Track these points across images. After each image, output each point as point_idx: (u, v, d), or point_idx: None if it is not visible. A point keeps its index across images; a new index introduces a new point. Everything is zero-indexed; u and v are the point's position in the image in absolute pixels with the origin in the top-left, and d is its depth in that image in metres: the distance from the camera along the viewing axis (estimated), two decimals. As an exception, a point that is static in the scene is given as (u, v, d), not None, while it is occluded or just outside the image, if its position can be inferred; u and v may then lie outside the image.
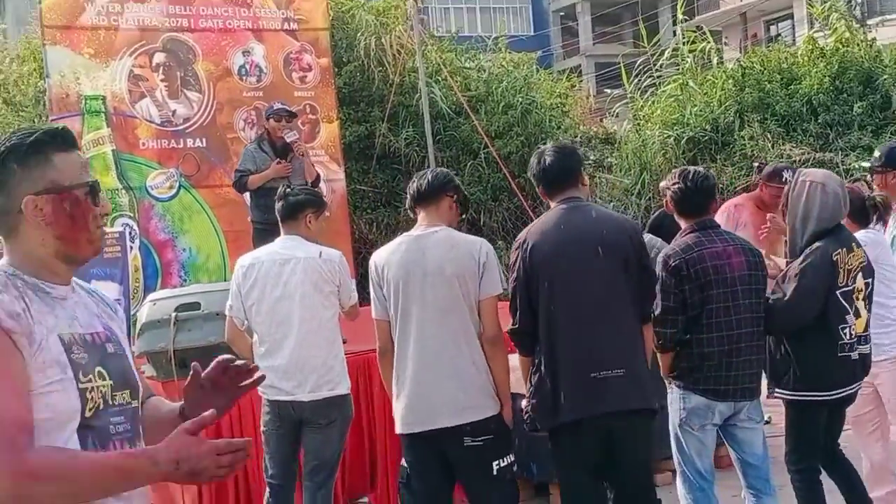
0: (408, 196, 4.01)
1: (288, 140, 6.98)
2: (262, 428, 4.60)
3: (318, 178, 7.40)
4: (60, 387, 1.84)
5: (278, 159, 6.91)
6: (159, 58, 8.46)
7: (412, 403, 3.80)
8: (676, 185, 4.03)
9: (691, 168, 4.18)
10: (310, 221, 4.58)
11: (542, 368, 3.70)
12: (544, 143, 11.91)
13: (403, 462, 3.96)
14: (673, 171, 4.32)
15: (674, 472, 6.07)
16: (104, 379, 1.93)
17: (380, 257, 3.95)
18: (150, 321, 5.49)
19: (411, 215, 4.08)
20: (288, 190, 4.71)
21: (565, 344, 3.68)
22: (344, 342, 6.57)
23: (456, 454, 3.75)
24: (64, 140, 1.97)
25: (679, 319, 3.89)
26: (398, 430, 3.91)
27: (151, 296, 6.07)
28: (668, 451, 5.87)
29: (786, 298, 4.00)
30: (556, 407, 3.67)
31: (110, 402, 1.94)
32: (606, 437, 3.74)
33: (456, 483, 3.99)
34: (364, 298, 10.40)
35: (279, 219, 4.64)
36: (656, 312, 3.89)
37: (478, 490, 3.86)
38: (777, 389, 4.19)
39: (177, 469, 1.81)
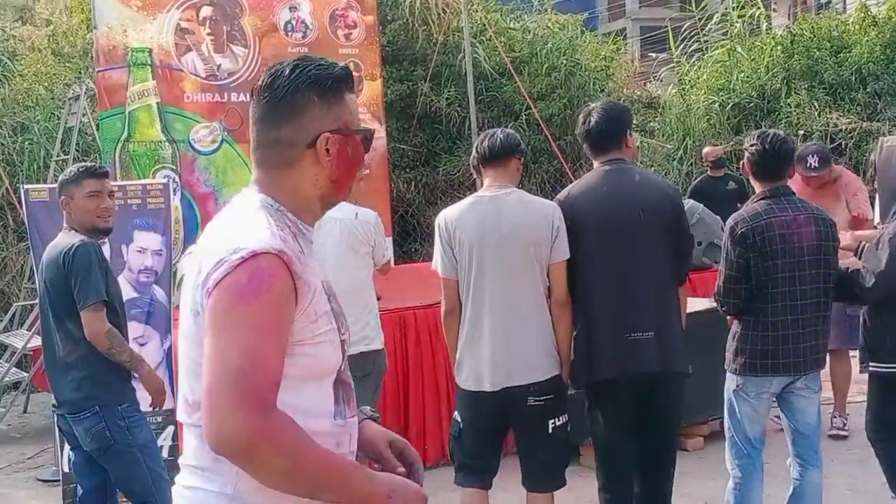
0: (476, 154, 3.99)
1: None
2: None
3: None
4: (328, 338, 1.79)
5: None
6: (206, 11, 8.48)
7: (484, 362, 3.83)
8: (755, 147, 3.98)
9: (771, 131, 4.11)
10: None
11: (579, 327, 3.78)
12: (587, 106, 11.83)
13: (456, 416, 3.99)
14: (752, 132, 4.28)
15: (706, 437, 6.17)
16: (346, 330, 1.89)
17: (451, 216, 3.93)
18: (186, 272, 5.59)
19: (474, 174, 4.08)
20: None
21: (601, 304, 3.76)
22: (378, 299, 6.68)
23: (518, 412, 3.82)
24: (351, 81, 1.90)
25: (742, 288, 3.88)
26: (466, 386, 3.91)
27: (191, 247, 6.17)
28: (700, 415, 5.92)
29: (881, 268, 3.90)
30: (591, 365, 3.77)
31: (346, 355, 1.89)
32: (640, 396, 3.80)
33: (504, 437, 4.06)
34: (400, 256, 10.50)
35: None
36: (719, 280, 3.92)
37: (532, 447, 3.93)
38: (871, 364, 4.10)
39: (387, 499, 1.69)
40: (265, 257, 1.66)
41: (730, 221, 3.98)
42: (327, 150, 1.82)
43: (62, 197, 3.95)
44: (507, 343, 3.77)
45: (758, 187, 4.05)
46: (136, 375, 3.95)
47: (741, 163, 4.14)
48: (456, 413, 4.01)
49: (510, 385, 3.78)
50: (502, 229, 3.81)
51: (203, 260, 1.72)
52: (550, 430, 3.85)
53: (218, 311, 1.64)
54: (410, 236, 11.11)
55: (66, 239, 3.87)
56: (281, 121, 1.81)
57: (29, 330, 7.95)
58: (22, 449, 7.34)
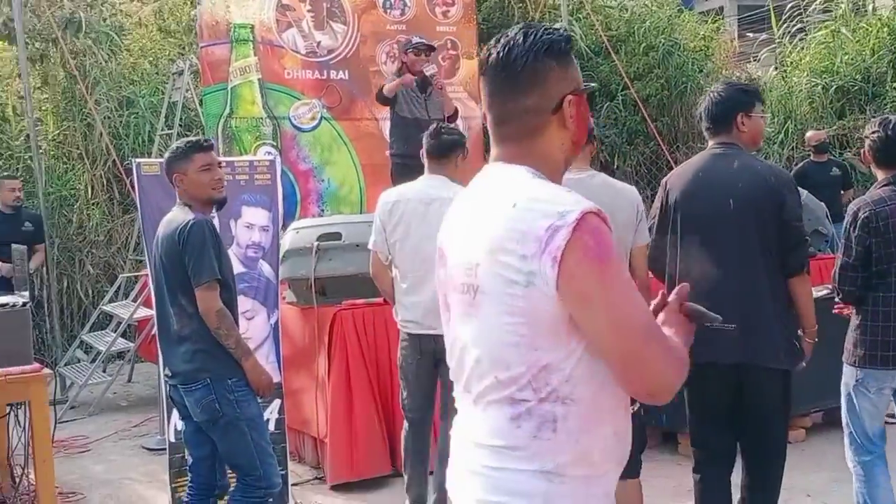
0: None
1: (427, 73, 7.04)
2: (399, 363, 4.67)
3: (455, 113, 7.44)
4: None
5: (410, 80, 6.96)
6: (307, -12, 8.57)
7: None
8: (876, 135, 3.87)
9: (892, 117, 3.98)
10: (458, 162, 4.57)
11: None
12: (684, 87, 11.58)
13: None
14: (873, 119, 4.15)
15: (808, 429, 6.04)
16: None
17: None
18: (293, 249, 5.67)
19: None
20: (442, 128, 4.68)
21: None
22: None
23: None
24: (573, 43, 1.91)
25: (859, 276, 3.79)
26: None
27: (295, 224, 6.26)
28: (802, 408, 5.78)
29: None
30: None
31: None
32: (731, 386, 3.70)
33: None
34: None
35: (428, 155, 4.61)
36: (836, 267, 3.82)
37: None
38: None
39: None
40: (591, 216, 1.71)
41: (852, 206, 3.89)
42: (570, 111, 1.82)
43: (175, 175, 3.99)
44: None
45: (879, 175, 3.95)
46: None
47: (861, 151, 4.02)
48: None
49: None
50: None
51: (499, 234, 1.72)
52: None
53: (588, 276, 1.65)
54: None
55: (181, 215, 3.93)
56: (524, 90, 1.80)
57: (134, 301, 8.19)
58: (128, 417, 7.57)
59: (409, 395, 4.67)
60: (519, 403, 1.71)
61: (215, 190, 4.01)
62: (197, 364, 3.88)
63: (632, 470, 3.84)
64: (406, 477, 4.69)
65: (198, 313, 3.82)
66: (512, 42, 1.81)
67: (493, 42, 1.85)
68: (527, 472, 1.70)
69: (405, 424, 4.71)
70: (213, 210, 4.15)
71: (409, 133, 6.67)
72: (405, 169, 6.28)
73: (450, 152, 4.56)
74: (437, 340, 4.44)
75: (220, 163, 4.13)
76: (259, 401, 4.09)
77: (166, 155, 4.11)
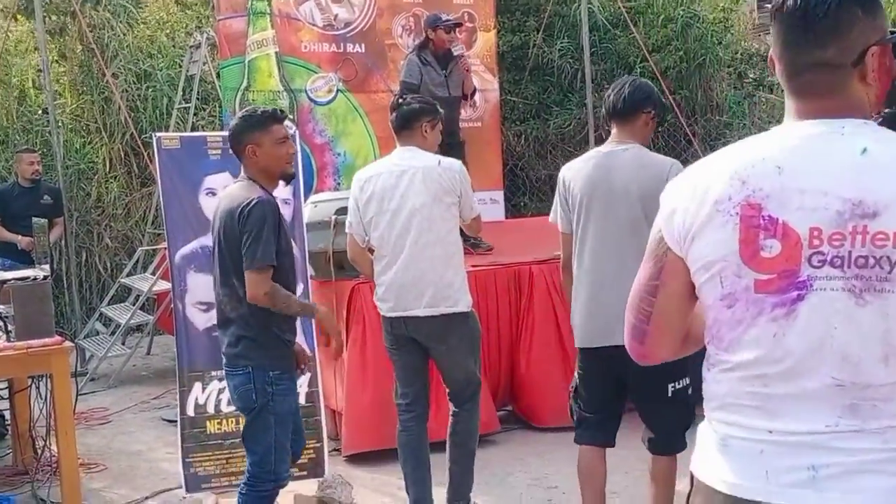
0: (604, 108, 3.95)
1: (455, 53, 7.01)
2: (385, 345, 4.53)
3: (474, 91, 7.40)
4: None
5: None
6: (324, -40, 8.52)
7: (588, 319, 3.83)
8: None
9: None
10: (426, 131, 4.42)
11: None
12: (703, 59, 11.43)
13: (576, 372, 3.99)
14: None
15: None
16: None
17: (568, 171, 3.93)
18: (311, 222, 5.67)
19: (607, 127, 4.00)
20: (400, 100, 4.53)
21: None
22: (490, 249, 6.54)
23: (631, 373, 3.61)
24: None
25: None
26: (578, 342, 3.94)
27: (312, 198, 6.26)
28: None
29: None
30: None
31: None
32: None
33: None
34: (509, 210, 10.39)
35: (393, 129, 4.47)
36: None
37: (652, 410, 3.87)
38: None
39: None
40: None
41: None
42: (873, 66, 1.65)
43: (248, 145, 3.76)
44: (608, 301, 3.64)
45: None
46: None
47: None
48: (576, 370, 4.01)
49: (612, 344, 3.59)
50: (613, 184, 3.76)
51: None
52: (670, 394, 3.76)
53: None
54: (520, 190, 11.06)
55: (244, 192, 3.74)
56: (822, 42, 1.64)
57: (153, 274, 8.24)
58: (147, 389, 7.65)
59: (397, 382, 4.53)
60: None
61: (289, 164, 3.86)
62: (240, 350, 3.78)
63: (672, 447, 3.85)
64: (403, 476, 4.50)
65: (246, 297, 3.69)
66: None
67: None
68: None
69: (398, 413, 4.51)
70: (286, 183, 4.03)
71: None
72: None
73: (412, 122, 4.39)
74: (410, 322, 4.33)
75: (289, 136, 3.97)
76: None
77: (235, 122, 3.90)
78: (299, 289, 4.96)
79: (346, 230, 4.52)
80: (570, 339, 6.02)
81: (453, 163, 4.45)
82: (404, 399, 4.47)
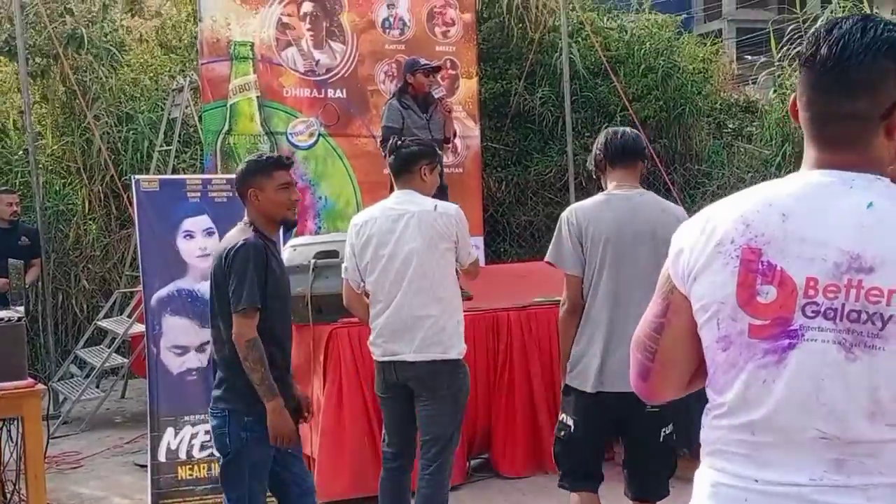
0: (601, 152, 3.89)
1: (436, 96, 7.04)
2: (376, 391, 4.45)
3: (455, 133, 7.44)
4: None
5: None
6: (307, 7, 8.60)
7: (603, 363, 3.74)
8: None
9: None
10: (424, 174, 4.36)
11: None
12: (683, 109, 11.58)
13: (565, 419, 3.87)
14: None
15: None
16: None
17: (582, 211, 3.83)
18: (290, 266, 5.62)
19: (593, 172, 3.99)
20: (399, 142, 4.48)
21: None
22: (469, 298, 6.52)
23: (634, 418, 3.68)
24: None
25: None
26: (583, 387, 3.78)
27: (292, 241, 6.24)
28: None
29: None
30: None
31: None
32: None
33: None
34: (489, 256, 10.38)
35: (392, 172, 4.42)
36: None
37: (642, 454, 3.85)
38: None
39: None
40: None
41: None
42: None
43: (250, 189, 3.78)
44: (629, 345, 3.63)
45: None
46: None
47: None
48: (564, 416, 3.89)
49: (629, 389, 3.62)
50: (637, 227, 3.74)
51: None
52: (661, 439, 3.79)
53: None
54: (500, 236, 11.08)
55: (236, 236, 3.76)
56: (853, 93, 1.62)
57: (129, 317, 8.17)
58: (120, 433, 7.54)
59: (385, 430, 4.43)
60: None
61: (290, 210, 3.84)
62: (220, 392, 3.76)
63: (658, 493, 3.83)
64: None
65: (230, 340, 3.66)
66: (847, 37, 1.63)
67: (822, 31, 1.67)
68: None
69: (382, 461, 4.43)
70: (281, 231, 4.01)
71: None
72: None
73: (411, 165, 4.34)
74: (400, 368, 4.24)
75: (295, 183, 3.96)
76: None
77: (241, 167, 3.91)
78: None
79: (342, 275, 4.45)
80: (548, 387, 6.07)
81: (450, 207, 4.39)
82: (391, 448, 4.38)
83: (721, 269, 1.66)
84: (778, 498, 1.60)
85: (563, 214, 3.90)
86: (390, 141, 4.59)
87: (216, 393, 3.78)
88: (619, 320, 3.71)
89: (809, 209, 1.62)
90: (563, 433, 3.87)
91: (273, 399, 3.65)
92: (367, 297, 4.39)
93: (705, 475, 1.73)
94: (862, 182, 1.61)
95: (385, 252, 4.24)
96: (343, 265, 4.45)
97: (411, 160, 4.35)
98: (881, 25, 1.64)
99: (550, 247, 3.92)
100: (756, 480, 1.62)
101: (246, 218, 3.84)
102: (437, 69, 7.26)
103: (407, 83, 7.11)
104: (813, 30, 1.72)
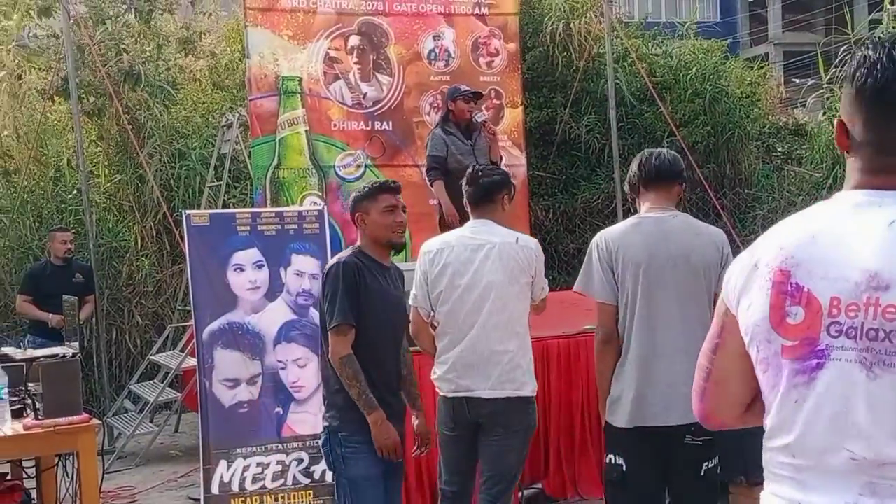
0: (637, 174, 3.73)
1: (478, 120, 7.06)
2: (437, 427, 4.26)
3: (500, 158, 7.44)
4: None
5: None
6: (354, 41, 8.67)
7: (646, 396, 3.57)
8: None
9: None
10: (504, 203, 4.26)
11: None
12: (731, 133, 11.47)
13: (613, 459, 3.68)
14: None
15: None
16: None
17: (612, 237, 3.68)
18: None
19: (628, 194, 3.86)
20: (480, 171, 4.38)
21: None
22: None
23: (675, 452, 3.56)
24: None
25: None
26: (621, 423, 3.63)
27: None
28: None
29: None
30: None
31: None
32: None
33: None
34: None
35: (470, 202, 4.29)
36: None
37: (684, 489, 3.70)
38: None
39: None
40: None
41: None
42: None
43: (357, 214, 3.89)
44: (669, 376, 3.49)
45: None
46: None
47: None
48: (611, 457, 3.70)
49: (668, 424, 3.50)
50: (671, 251, 3.59)
51: None
52: (703, 473, 3.60)
53: None
54: (548, 264, 10.99)
55: (337, 256, 3.90)
56: None
57: (182, 351, 8.24)
58: (174, 467, 7.58)
59: (444, 466, 4.27)
60: None
61: (395, 233, 3.88)
62: (325, 410, 3.86)
63: None
64: None
65: (328, 357, 3.74)
66: (881, 66, 1.63)
67: (861, 58, 1.66)
68: None
69: (440, 498, 4.31)
70: (394, 252, 4.02)
71: (457, 183, 6.64)
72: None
73: (494, 194, 4.22)
74: (472, 404, 4.07)
75: (404, 207, 3.98)
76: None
77: (354, 194, 4.06)
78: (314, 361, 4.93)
79: (411, 303, 4.23)
80: (589, 420, 6.01)
81: (530, 240, 4.28)
82: (451, 486, 4.24)
83: (757, 291, 1.68)
84: None
85: (594, 240, 3.76)
86: (469, 170, 4.47)
87: (323, 413, 3.88)
88: (655, 350, 3.57)
89: (836, 229, 1.63)
90: (614, 474, 3.67)
91: (373, 412, 3.68)
92: (434, 329, 4.25)
93: (764, 498, 1.73)
94: (892, 200, 1.61)
95: (462, 282, 4.08)
96: (412, 293, 4.25)
97: (494, 189, 4.25)
98: None
99: (580, 274, 3.77)
100: (799, 503, 1.63)
101: (358, 242, 3.94)
102: (479, 95, 7.30)
103: (449, 111, 7.16)
104: (860, 53, 1.70)
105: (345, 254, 3.84)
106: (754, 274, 1.70)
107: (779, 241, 1.69)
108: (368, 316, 3.73)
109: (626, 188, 3.88)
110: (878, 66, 1.63)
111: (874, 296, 1.56)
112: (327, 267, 3.80)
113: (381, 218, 3.84)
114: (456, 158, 6.90)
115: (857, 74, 1.66)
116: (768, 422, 1.70)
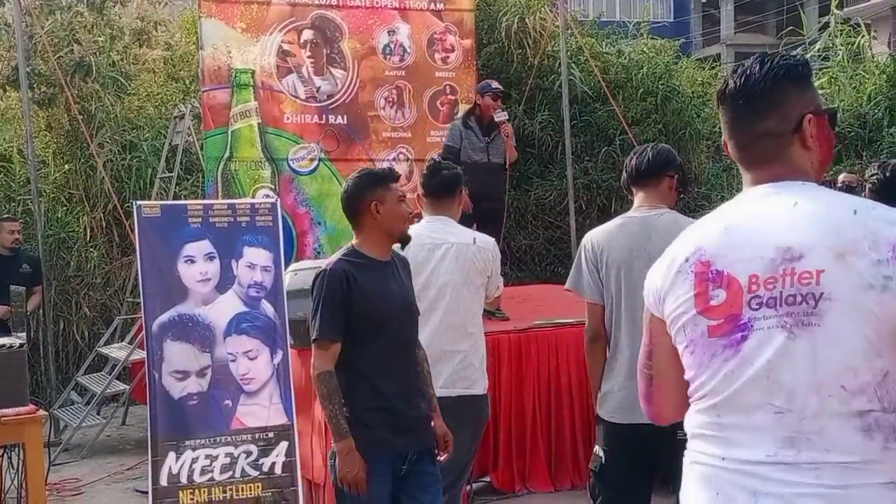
0: (625, 173, 3.75)
1: (497, 119, 7.16)
2: None
3: (517, 160, 7.54)
4: None
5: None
6: (307, 35, 8.65)
7: (628, 393, 3.52)
8: (875, 177, 3.95)
9: (892, 161, 4.09)
10: (460, 200, 4.23)
11: None
12: (682, 132, 11.60)
13: (598, 450, 3.71)
14: (872, 162, 4.25)
15: None
16: None
17: (597, 238, 3.69)
18: (292, 290, 5.65)
19: (627, 195, 3.86)
20: (441, 164, 4.29)
21: None
22: (506, 319, 6.40)
23: (665, 446, 3.43)
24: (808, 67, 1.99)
25: None
26: (613, 418, 3.64)
27: (293, 266, 6.27)
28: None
29: None
30: None
31: None
32: None
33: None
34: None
35: (428, 195, 4.21)
36: None
37: (672, 482, 3.63)
38: None
39: None
40: None
41: None
42: (811, 132, 1.87)
43: (373, 202, 3.50)
44: None
45: None
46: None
47: (863, 194, 4.07)
48: (596, 448, 3.73)
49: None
50: (653, 252, 3.45)
51: (847, 239, 1.71)
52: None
53: None
54: (501, 261, 11.07)
55: (327, 261, 3.59)
56: (762, 115, 1.88)
57: (130, 343, 8.17)
58: (121, 459, 7.53)
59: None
60: (867, 414, 1.71)
61: (407, 224, 3.63)
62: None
63: None
64: None
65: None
66: (749, 71, 1.89)
67: (729, 72, 1.95)
68: (875, 485, 1.70)
69: None
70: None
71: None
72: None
73: (455, 189, 4.20)
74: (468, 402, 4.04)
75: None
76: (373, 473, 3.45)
77: (352, 182, 3.61)
78: (278, 356, 4.94)
79: None
80: (545, 407, 6.08)
81: (488, 241, 4.25)
82: (446, 474, 4.15)
83: (682, 284, 1.89)
84: (740, 474, 1.78)
85: (583, 240, 3.79)
86: (429, 162, 4.41)
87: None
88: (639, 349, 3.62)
89: (746, 218, 1.85)
90: (594, 465, 3.72)
91: (341, 440, 3.38)
92: None
93: (687, 455, 1.95)
94: (789, 187, 1.84)
95: (418, 282, 3.97)
96: None
97: (455, 183, 4.19)
98: (777, 57, 1.90)
99: (570, 273, 3.79)
100: (722, 458, 1.82)
101: (353, 240, 3.61)
102: (505, 94, 7.45)
103: (476, 104, 7.33)
104: (721, 76, 1.92)
105: (333, 258, 3.53)
106: (675, 273, 1.90)
107: (694, 239, 1.90)
108: (368, 322, 3.44)
109: (624, 188, 3.91)
110: (730, 79, 1.91)
111: (790, 266, 1.75)
112: (315, 274, 3.52)
113: (397, 207, 3.53)
114: (468, 153, 6.99)
115: (718, 90, 1.97)
116: (696, 393, 1.88)
